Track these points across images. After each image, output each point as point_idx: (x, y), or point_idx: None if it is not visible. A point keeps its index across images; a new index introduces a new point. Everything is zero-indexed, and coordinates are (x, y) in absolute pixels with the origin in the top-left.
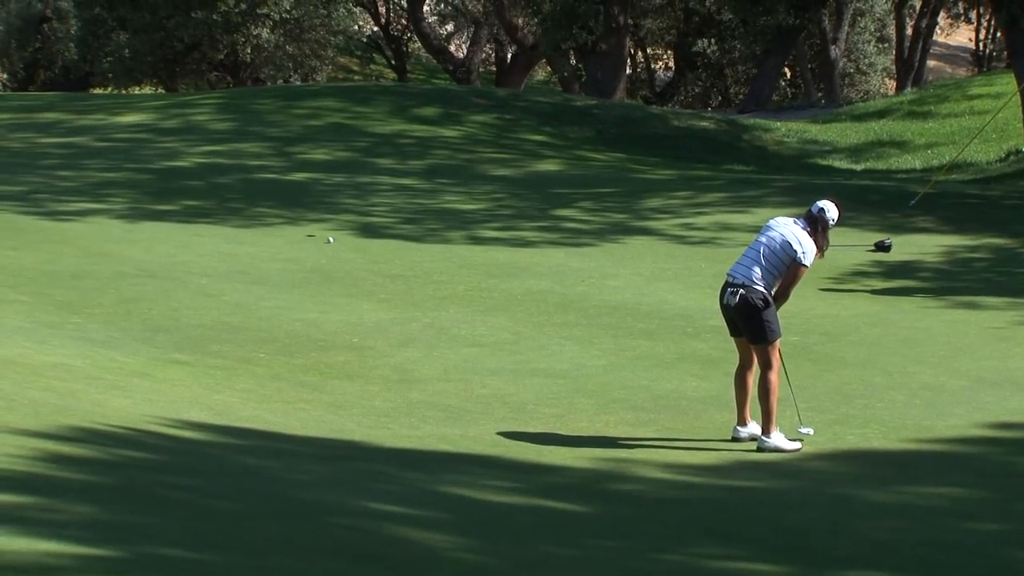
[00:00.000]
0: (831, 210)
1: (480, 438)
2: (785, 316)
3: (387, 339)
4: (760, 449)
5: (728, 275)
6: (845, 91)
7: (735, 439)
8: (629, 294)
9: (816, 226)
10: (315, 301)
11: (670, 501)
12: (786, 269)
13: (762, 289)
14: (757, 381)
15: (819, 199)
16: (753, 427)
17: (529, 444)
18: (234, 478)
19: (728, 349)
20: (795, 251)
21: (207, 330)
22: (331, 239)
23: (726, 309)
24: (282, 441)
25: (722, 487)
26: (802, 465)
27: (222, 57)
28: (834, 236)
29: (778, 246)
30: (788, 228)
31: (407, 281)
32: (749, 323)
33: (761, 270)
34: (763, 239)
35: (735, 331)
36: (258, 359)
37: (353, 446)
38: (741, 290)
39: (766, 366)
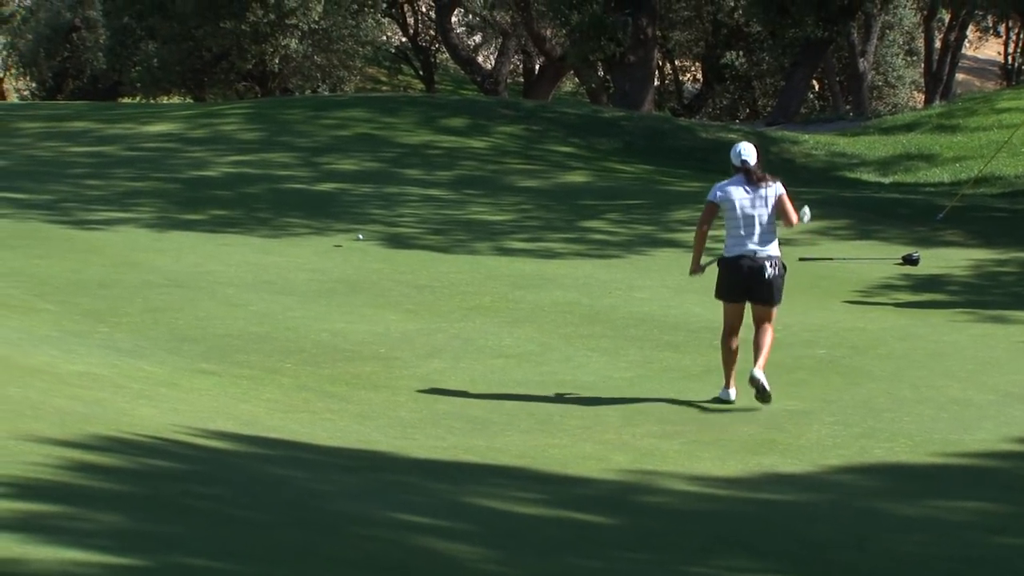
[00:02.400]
0: (737, 151)
1: (506, 449)
2: (812, 330)
3: (413, 350)
4: (753, 380)
5: (751, 249)
6: (873, 104)
7: (723, 400)
8: (656, 306)
9: (755, 168)
10: (342, 311)
11: (696, 513)
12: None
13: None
14: (754, 338)
15: (738, 151)
16: (734, 392)
17: (555, 455)
18: (260, 488)
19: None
20: (778, 192)
21: (234, 340)
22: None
23: (753, 279)
24: (308, 451)
25: (748, 500)
26: (829, 478)
27: (250, 67)
28: (862, 250)
29: (772, 200)
30: (765, 189)
31: (434, 292)
32: (775, 290)
33: (774, 235)
34: (757, 209)
35: (741, 298)
36: (285, 369)
37: (379, 456)
38: (775, 261)
39: (772, 323)
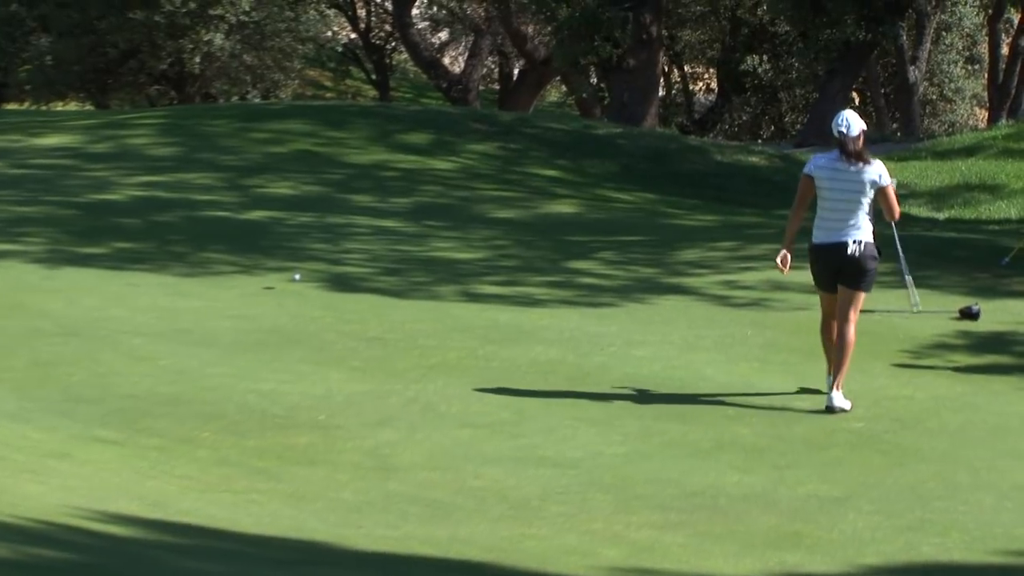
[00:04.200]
0: (837, 121)
1: (473, 540)
2: (849, 398)
3: (361, 417)
4: (829, 408)
5: (833, 237)
6: (926, 122)
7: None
8: (658, 366)
9: (854, 142)
10: (273, 368)
11: None
12: (871, 201)
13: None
14: (836, 338)
15: (838, 119)
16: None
17: (532, 549)
18: None
19: (777, 436)
20: (878, 181)
21: (140, 402)
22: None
23: (840, 260)
24: (229, 540)
25: None
26: None
27: (165, 67)
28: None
29: (870, 188)
30: (864, 169)
31: (386, 346)
32: (865, 273)
33: (864, 216)
34: (847, 192)
35: (831, 286)
36: (201, 439)
37: (316, 548)
38: (862, 240)
39: (855, 317)
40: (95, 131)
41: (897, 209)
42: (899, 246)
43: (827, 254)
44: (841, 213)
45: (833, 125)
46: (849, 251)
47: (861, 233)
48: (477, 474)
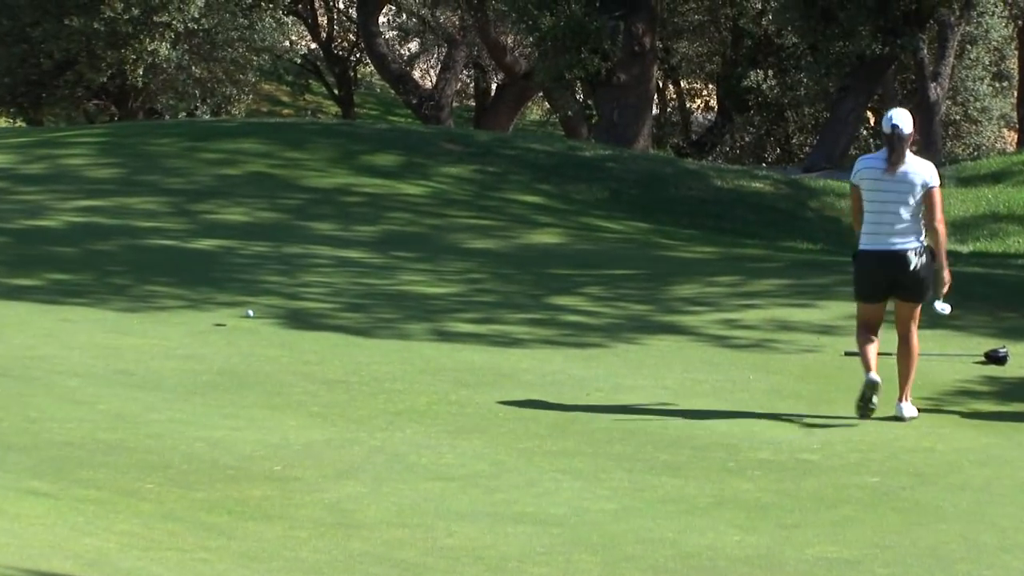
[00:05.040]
0: (889, 117)
1: None
2: (862, 449)
3: (321, 468)
4: (898, 418)
5: (888, 243)
6: (948, 145)
7: (870, 383)
8: (651, 414)
9: (904, 143)
10: (224, 414)
11: None
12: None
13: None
14: (897, 353)
15: (889, 116)
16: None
17: None
18: None
19: (782, 492)
20: (928, 183)
21: (76, 450)
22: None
23: (894, 271)
24: None
25: None
26: None
27: (105, 80)
28: (931, 342)
29: (919, 190)
30: (911, 170)
31: (349, 389)
32: (922, 282)
33: (916, 223)
34: (898, 195)
35: (880, 297)
36: (145, 491)
37: None
38: (917, 248)
39: (915, 326)
40: (27, 150)
41: (941, 215)
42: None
43: (873, 266)
44: (889, 217)
45: (885, 122)
46: (911, 266)
47: (913, 242)
48: (450, 532)
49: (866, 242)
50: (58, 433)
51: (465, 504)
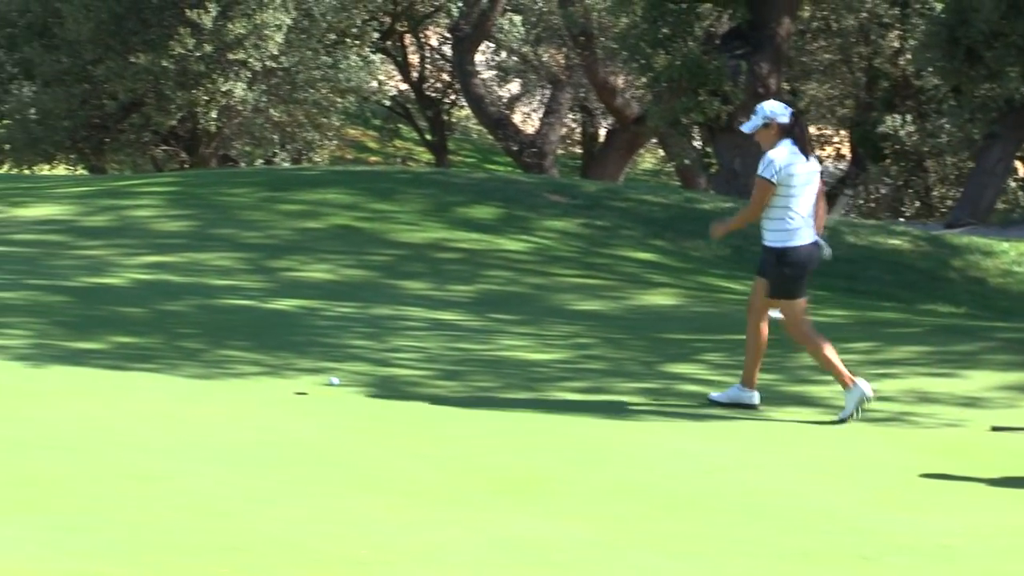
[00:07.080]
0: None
1: None
2: (1010, 534)
3: (411, 553)
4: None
5: (814, 236)
6: None
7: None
8: (779, 495)
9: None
10: (305, 492)
11: None
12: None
13: None
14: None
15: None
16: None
17: None
18: None
19: None
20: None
21: (143, 530)
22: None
23: (812, 265)
24: None
25: None
26: None
27: (174, 123)
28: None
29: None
30: (814, 160)
31: (443, 466)
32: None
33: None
34: (815, 185)
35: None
36: None
37: None
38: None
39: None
40: (89, 200)
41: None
42: None
43: (811, 261)
44: (809, 210)
45: (776, 114)
46: (821, 256)
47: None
48: None
49: (804, 239)
50: (119, 513)
51: None
